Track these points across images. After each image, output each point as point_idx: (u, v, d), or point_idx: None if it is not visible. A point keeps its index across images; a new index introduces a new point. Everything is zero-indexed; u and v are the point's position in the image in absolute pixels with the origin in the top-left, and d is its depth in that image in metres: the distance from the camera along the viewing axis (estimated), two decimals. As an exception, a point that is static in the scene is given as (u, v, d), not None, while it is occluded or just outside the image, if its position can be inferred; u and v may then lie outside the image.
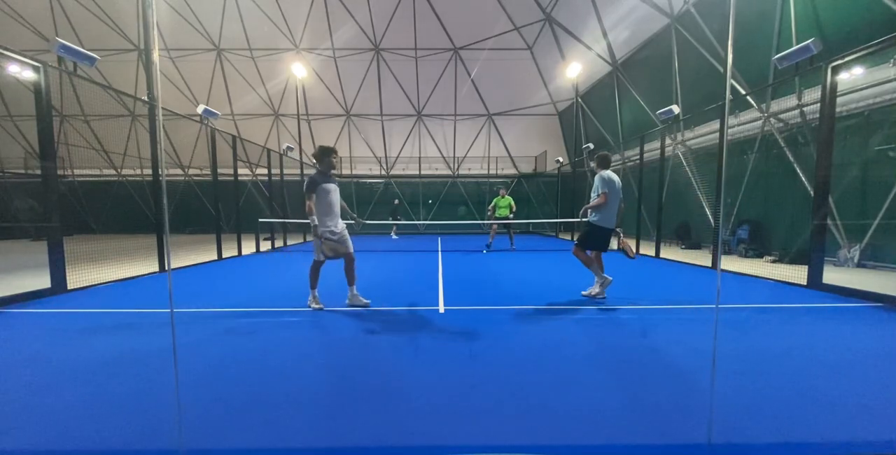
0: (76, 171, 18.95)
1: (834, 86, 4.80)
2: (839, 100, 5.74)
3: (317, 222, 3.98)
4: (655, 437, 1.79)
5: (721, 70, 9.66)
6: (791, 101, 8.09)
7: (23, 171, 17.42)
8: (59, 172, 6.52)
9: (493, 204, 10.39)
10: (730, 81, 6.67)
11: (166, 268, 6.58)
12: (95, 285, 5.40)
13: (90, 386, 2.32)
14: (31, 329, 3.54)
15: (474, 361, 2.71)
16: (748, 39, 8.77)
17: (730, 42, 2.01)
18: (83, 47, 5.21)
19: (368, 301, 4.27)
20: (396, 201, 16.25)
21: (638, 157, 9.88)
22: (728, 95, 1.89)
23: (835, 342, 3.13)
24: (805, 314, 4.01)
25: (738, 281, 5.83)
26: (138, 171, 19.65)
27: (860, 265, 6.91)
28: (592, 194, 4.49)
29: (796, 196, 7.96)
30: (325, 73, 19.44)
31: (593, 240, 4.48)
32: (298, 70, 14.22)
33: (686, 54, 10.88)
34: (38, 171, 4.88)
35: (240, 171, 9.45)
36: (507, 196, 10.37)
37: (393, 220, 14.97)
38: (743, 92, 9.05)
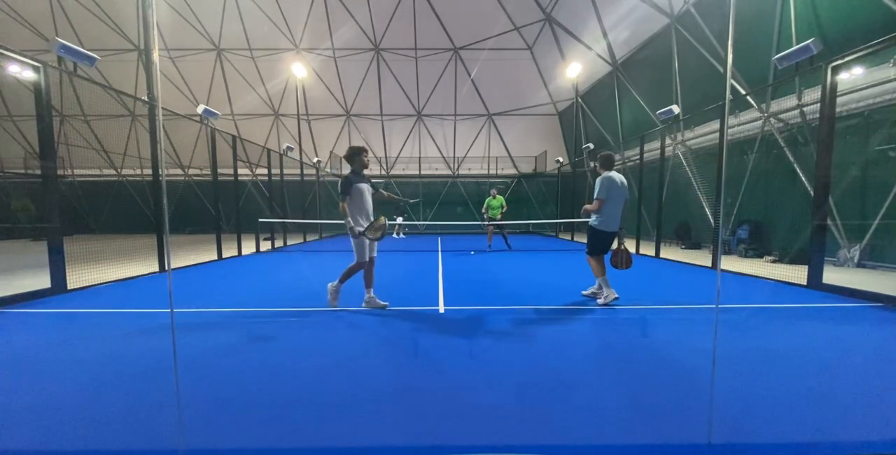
0: (76, 171, 18.94)
1: (834, 86, 4.80)
2: (839, 100, 5.74)
3: (353, 224, 3.96)
4: (655, 437, 1.79)
5: (721, 70, 9.66)
6: (791, 101, 8.08)
7: (23, 171, 17.41)
8: (59, 172, 6.52)
9: (485, 205, 10.41)
10: (730, 81, 6.68)
11: (166, 268, 6.58)
12: (95, 285, 5.40)
13: (90, 386, 2.32)
14: (31, 329, 3.54)
15: (474, 361, 2.71)
16: (748, 39, 8.76)
17: (730, 42, 2.01)
18: (83, 47, 5.21)
19: (386, 303, 4.17)
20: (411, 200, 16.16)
21: (638, 157, 9.88)
22: (728, 95, 1.89)
23: (835, 342, 3.14)
24: (805, 314, 4.01)
25: (738, 281, 5.83)
26: (138, 171, 19.65)
27: (860, 265, 6.91)
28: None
29: (796, 196, 7.95)
30: (325, 73, 19.45)
31: (595, 243, 4.48)
32: (298, 70, 14.24)
33: (686, 54, 10.88)
34: (38, 171, 4.88)
35: (240, 171, 9.45)
36: (498, 196, 10.37)
37: (397, 218, 14.95)
38: (743, 92, 9.04)
